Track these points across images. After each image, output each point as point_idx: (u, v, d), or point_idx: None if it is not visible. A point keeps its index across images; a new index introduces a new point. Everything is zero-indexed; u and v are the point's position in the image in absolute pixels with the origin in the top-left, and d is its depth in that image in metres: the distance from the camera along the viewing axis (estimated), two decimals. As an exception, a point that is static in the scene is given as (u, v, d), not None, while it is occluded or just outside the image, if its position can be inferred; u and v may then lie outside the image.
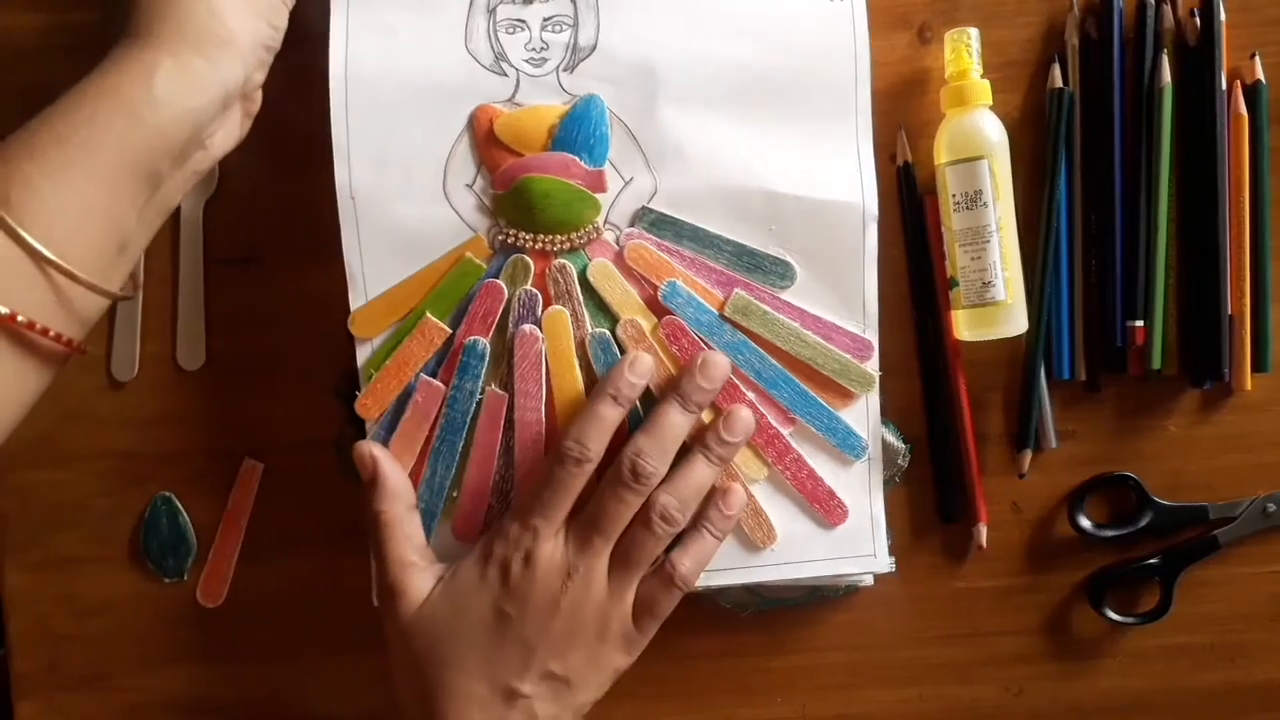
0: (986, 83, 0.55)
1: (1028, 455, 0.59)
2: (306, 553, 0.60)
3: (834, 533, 0.57)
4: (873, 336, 0.56)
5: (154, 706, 0.61)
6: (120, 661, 0.61)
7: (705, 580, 0.56)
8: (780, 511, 0.56)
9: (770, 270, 0.56)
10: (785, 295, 0.56)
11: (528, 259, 0.55)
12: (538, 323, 0.55)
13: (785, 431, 0.56)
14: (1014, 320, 0.56)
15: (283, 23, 0.51)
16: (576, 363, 0.55)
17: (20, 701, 0.61)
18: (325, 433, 0.59)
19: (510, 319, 0.55)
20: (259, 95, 0.53)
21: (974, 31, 0.56)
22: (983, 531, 0.59)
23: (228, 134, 0.52)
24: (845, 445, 0.57)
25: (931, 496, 0.59)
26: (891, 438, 0.58)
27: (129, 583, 0.60)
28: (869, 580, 0.58)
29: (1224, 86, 0.56)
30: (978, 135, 0.55)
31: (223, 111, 0.50)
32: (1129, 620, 0.59)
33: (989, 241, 0.55)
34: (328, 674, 0.61)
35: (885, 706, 0.61)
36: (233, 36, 0.48)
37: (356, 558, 0.57)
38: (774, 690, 0.61)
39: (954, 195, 0.55)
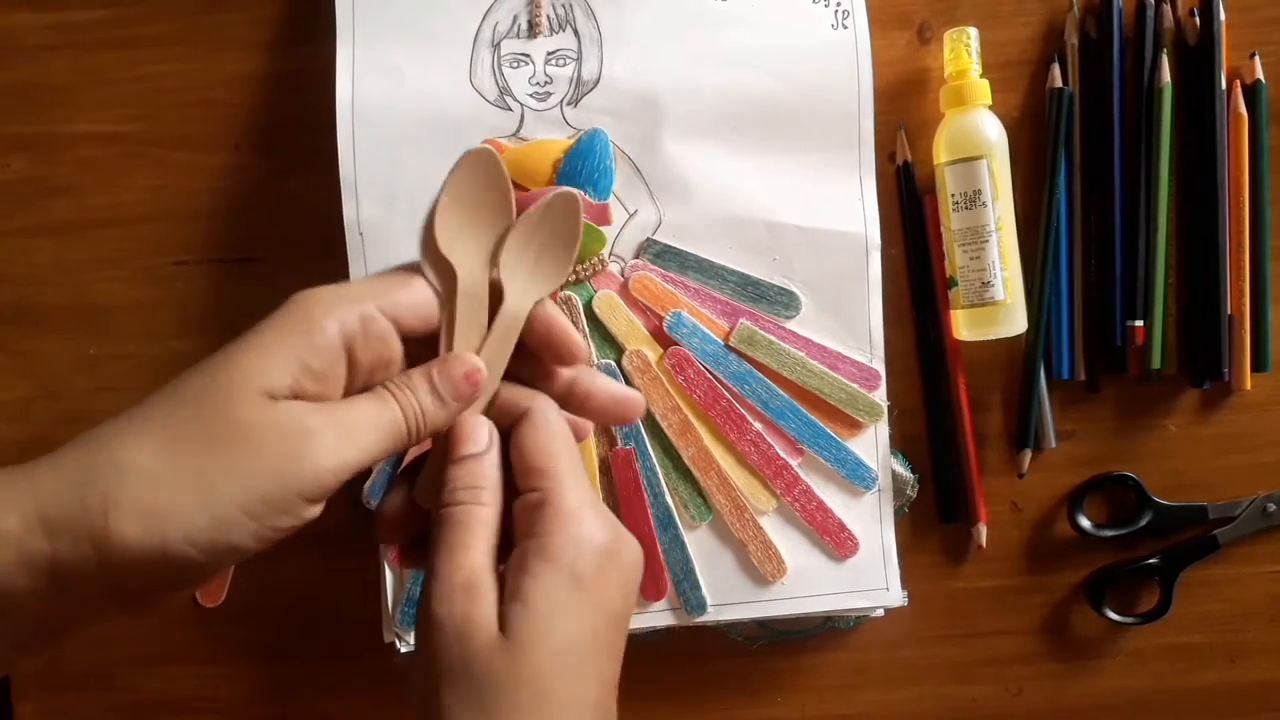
0: (986, 82, 0.55)
1: (1028, 455, 0.59)
2: (305, 553, 0.59)
3: (844, 565, 0.57)
4: (879, 366, 0.56)
5: (153, 706, 0.61)
6: (119, 661, 0.61)
7: (715, 614, 0.56)
8: (790, 544, 0.56)
9: (775, 300, 0.56)
10: (791, 325, 0.56)
11: None
12: None
13: (794, 462, 0.56)
14: (1013, 320, 0.56)
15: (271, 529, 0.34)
16: None
17: (20, 701, 0.61)
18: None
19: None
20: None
21: (973, 31, 0.56)
22: (983, 531, 0.59)
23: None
24: (855, 476, 0.56)
25: (931, 496, 0.59)
26: (900, 468, 0.58)
27: (128, 582, 0.60)
28: (880, 612, 0.58)
29: (1224, 86, 0.56)
30: (977, 135, 0.55)
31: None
32: (1129, 620, 0.59)
33: (988, 241, 0.55)
34: (326, 674, 0.60)
35: (885, 706, 0.60)
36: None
37: (356, 558, 0.57)
38: (774, 690, 0.61)
39: (953, 195, 0.55)
